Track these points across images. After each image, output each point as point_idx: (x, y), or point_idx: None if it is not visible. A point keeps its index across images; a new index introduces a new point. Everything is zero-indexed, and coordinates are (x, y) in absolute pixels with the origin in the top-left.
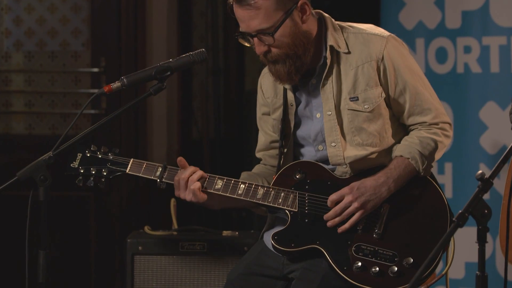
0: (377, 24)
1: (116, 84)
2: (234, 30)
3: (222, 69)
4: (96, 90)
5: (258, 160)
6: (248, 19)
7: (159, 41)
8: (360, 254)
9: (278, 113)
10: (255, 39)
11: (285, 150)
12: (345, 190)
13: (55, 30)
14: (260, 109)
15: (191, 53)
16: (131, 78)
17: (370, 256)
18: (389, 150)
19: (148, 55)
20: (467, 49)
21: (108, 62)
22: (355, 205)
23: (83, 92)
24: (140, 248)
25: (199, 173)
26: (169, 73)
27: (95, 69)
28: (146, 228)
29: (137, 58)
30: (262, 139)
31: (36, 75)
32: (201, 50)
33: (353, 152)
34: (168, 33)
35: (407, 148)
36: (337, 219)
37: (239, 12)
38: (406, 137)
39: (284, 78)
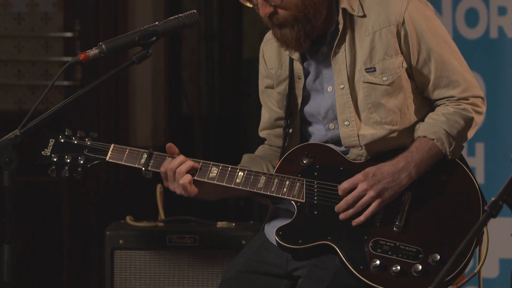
0: None
1: (93, 51)
2: None
3: (216, 33)
4: (69, 58)
5: (260, 141)
6: None
7: (143, 0)
8: (378, 250)
9: (283, 87)
10: None
11: (291, 130)
12: (358, 177)
13: None
14: (262, 82)
15: (180, 15)
16: (110, 44)
17: (390, 253)
18: (412, 129)
19: (131, 17)
20: (502, 11)
21: (84, 26)
22: (370, 193)
23: (54, 60)
24: (121, 241)
25: (189, 163)
26: (154, 38)
27: (68, 34)
28: (128, 219)
29: (117, 20)
30: (266, 116)
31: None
32: (192, 11)
33: (369, 131)
34: None
35: (432, 127)
36: (350, 211)
37: None
38: (430, 114)
39: (292, 45)
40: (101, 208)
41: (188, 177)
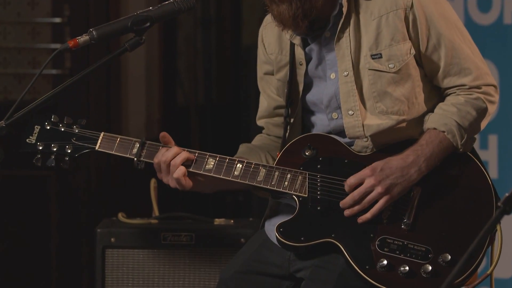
0: None
1: (83, 38)
2: None
3: (213, 19)
4: (58, 45)
5: (261, 129)
6: None
7: None
8: (385, 249)
9: (284, 73)
10: None
11: (292, 120)
12: (365, 171)
13: None
14: (261, 67)
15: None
16: (101, 30)
17: (398, 252)
18: (420, 120)
19: (123, 2)
20: None
21: (73, 11)
22: (378, 189)
23: (42, 47)
24: (112, 240)
25: (184, 155)
26: (148, 24)
27: (57, 19)
28: (120, 215)
29: (109, 5)
30: (265, 103)
31: None
32: None
33: (375, 121)
34: None
35: (442, 119)
36: (356, 207)
37: None
38: (440, 105)
39: (288, 23)
40: (91, 204)
41: (182, 170)
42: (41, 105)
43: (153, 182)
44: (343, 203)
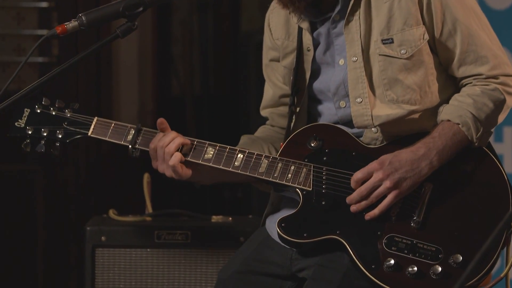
0: None
1: (72, 24)
2: None
3: (210, 3)
4: (45, 32)
5: (262, 121)
6: None
7: None
8: (393, 248)
9: (290, 60)
10: None
11: (298, 109)
12: (373, 165)
13: None
14: (267, 54)
15: None
16: (91, 15)
17: (406, 251)
18: (434, 110)
19: None
20: None
21: None
22: (386, 184)
23: (28, 34)
24: (103, 238)
25: (178, 140)
26: (141, 8)
27: (44, 4)
28: (111, 212)
29: None
30: (270, 92)
31: None
32: None
33: (384, 110)
34: None
35: (457, 110)
36: (363, 203)
37: None
38: (456, 96)
39: (285, 0)
40: (80, 200)
41: (177, 156)
42: (27, 95)
43: (146, 177)
44: (349, 199)
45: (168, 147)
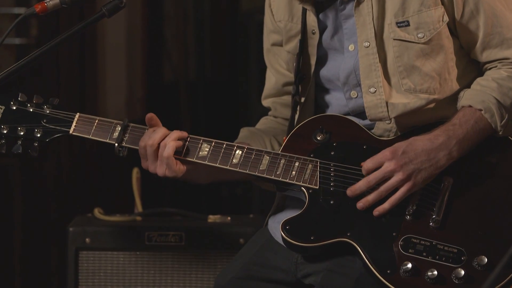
0: None
1: (52, 2)
2: None
3: None
4: (23, 10)
5: (264, 109)
6: None
7: None
8: (410, 251)
9: (294, 44)
10: None
11: (303, 99)
12: (385, 153)
13: None
14: (268, 37)
15: None
16: None
17: (425, 254)
18: (453, 99)
19: None
20: None
21: None
22: (399, 175)
23: (3, 12)
24: (87, 240)
25: (176, 134)
26: None
27: None
28: (97, 212)
29: None
30: (272, 80)
31: None
32: None
33: (401, 100)
34: None
35: (480, 95)
36: (371, 197)
37: None
38: (478, 80)
39: None
40: (62, 198)
41: (171, 146)
42: (2, 80)
43: (135, 172)
44: (354, 187)
45: (164, 142)
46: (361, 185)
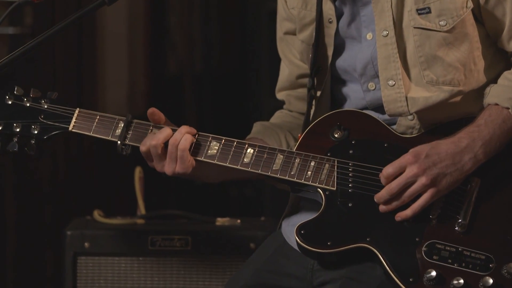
0: None
1: None
2: None
3: None
4: None
5: (276, 103)
6: None
7: None
8: (434, 257)
9: (309, 33)
10: None
11: (318, 92)
12: (407, 157)
13: None
14: (281, 26)
15: None
16: None
17: (450, 260)
18: (481, 92)
19: None
20: None
21: None
22: (422, 180)
23: None
24: (86, 245)
25: (184, 129)
26: None
27: None
28: (96, 214)
29: None
30: (285, 71)
31: None
32: None
33: (422, 94)
34: None
35: (507, 92)
36: (394, 203)
37: None
38: (506, 73)
39: None
40: (58, 199)
41: (189, 138)
42: None
43: (138, 171)
44: (377, 197)
45: (174, 138)
46: (383, 193)
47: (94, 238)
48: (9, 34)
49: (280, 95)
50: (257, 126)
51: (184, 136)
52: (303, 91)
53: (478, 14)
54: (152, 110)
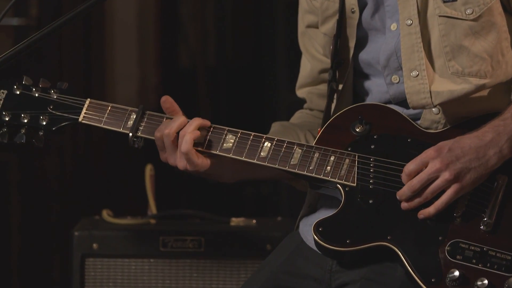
0: None
1: None
2: None
3: None
4: None
5: (293, 103)
6: None
7: None
8: (458, 257)
9: (331, 25)
10: None
11: (340, 86)
12: (429, 152)
13: None
14: (303, 19)
15: None
16: None
17: (474, 261)
18: (509, 85)
19: None
20: None
21: None
22: (445, 176)
23: None
24: (95, 246)
25: (197, 122)
26: None
27: None
28: (105, 214)
29: None
30: (307, 67)
31: None
32: None
33: (446, 86)
34: None
35: None
36: (416, 200)
37: None
38: None
39: None
40: (66, 198)
41: (189, 140)
42: (1, 64)
43: (149, 169)
44: (399, 194)
45: (184, 130)
46: (405, 190)
47: (103, 239)
48: (14, 26)
49: (300, 93)
50: (275, 126)
51: (184, 138)
52: (325, 88)
53: (507, 2)
54: (165, 98)
